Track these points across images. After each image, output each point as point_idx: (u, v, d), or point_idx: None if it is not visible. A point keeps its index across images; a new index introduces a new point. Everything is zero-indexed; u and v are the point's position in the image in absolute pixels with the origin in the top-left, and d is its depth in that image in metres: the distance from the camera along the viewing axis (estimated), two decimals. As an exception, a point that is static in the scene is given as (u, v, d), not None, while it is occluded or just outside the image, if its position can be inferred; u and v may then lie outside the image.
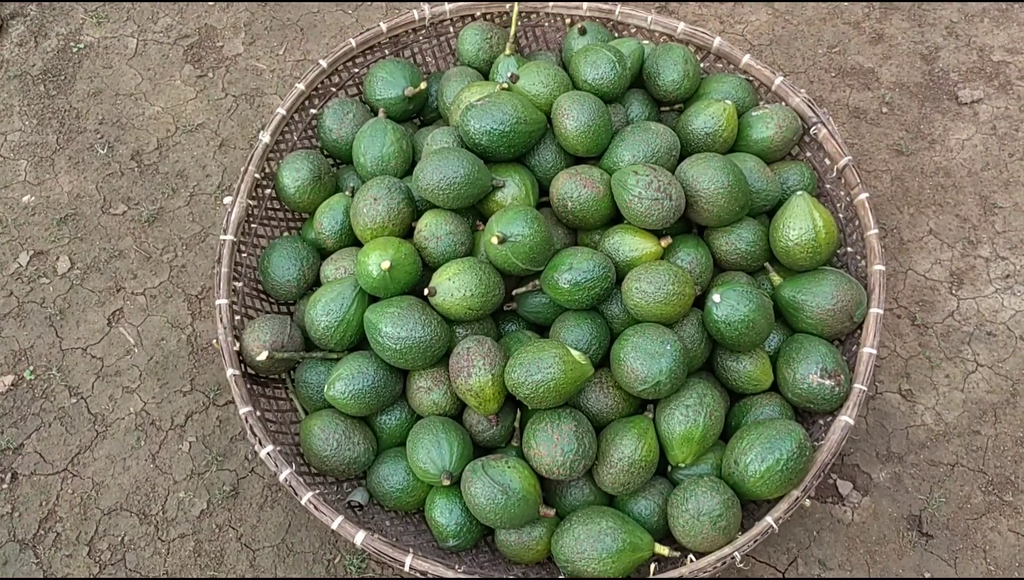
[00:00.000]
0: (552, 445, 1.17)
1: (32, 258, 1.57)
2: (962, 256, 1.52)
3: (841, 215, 1.44)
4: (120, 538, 1.35)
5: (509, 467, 1.18)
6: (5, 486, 1.39)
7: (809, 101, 1.45)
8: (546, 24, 1.59)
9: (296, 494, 1.19)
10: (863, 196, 1.38)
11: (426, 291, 1.25)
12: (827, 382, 1.25)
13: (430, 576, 1.15)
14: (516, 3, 1.49)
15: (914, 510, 1.34)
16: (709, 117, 1.40)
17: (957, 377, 1.43)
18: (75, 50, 1.79)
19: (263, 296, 1.42)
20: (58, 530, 1.36)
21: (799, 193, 1.32)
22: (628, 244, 1.30)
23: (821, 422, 1.29)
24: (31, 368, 1.48)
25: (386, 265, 1.22)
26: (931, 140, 1.63)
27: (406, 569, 1.15)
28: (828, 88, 1.69)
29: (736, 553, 1.15)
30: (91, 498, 1.38)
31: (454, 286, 1.24)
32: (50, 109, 1.72)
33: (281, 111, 1.45)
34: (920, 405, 1.41)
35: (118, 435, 1.43)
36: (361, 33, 1.52)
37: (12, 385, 1.47)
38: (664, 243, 1.31)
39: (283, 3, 1.83)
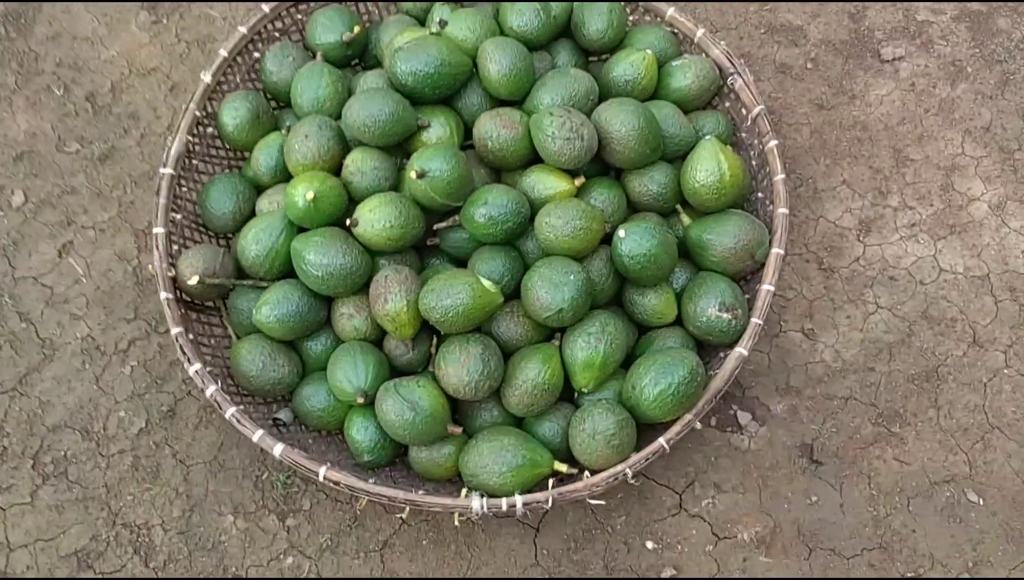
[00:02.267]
0: (459, 366, 1.26)
1: (-11, 192, 1.65)
2: (872, 205, 1.60)
3: (754, 162, 1.51)
4: (63, 453, 1.44)
5: (419, 386, 1.26)
6: (-43, 403, 1.47)
7: (728, 53, 1.52)
8: (484, -25, 1.65)
9: (221, 408, 1.28)
10: (773, 143, 1.45)
11: (348, 222, 1.32)
12: (724, 315, 1.33)
13: (343, 485, 1.24)
14: (450, -47, 1.55)
15: (807, 439, 1.42)
16: (629, 65, 1.47)
17: (858, 318, 1.51)
18: (35, -5, 1.85)
19: (202, 229, 1.50)
20: (4, 444, 1.44)
21: (707, 137, 1.39)
22: (543, 182, 1.38)
23: (722, 354, 1.37)
24: (-16, 295, 1.56)
25: (310, 196, 1.30)
26: (852, 95, 1.69)
27: (320, 479, 1.23)
28: (757, 44, 1.75)
29: (628, 470, 1.24)
30: (37, 416, 1.46)
31: (374, 217, 1.32)
32: (9, 51, 1.79)
33: (223, 52, 1.52)
34: (821, 343, 1.49)
35: (64, 358, 1.51)
36: (303, -21, 1.58)
37: (-34, 310, 1.55)
38: (578, 182, 1.38)
39: (238, -47, 1.89)
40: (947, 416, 1.44)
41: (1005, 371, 1.46)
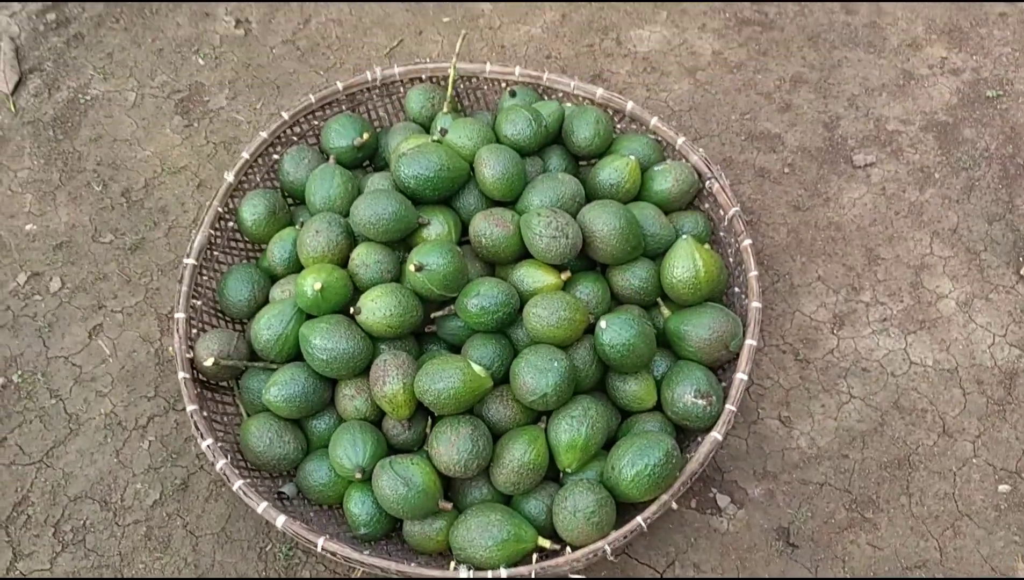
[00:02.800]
0: (450, 446, 1.35)
1: (29, 278, 1.80)
2: (845, 301, 1.70)
3: (731, 258, 1.63)
4: (83, 522, 1.53)
5: (413, 464, 1.36)
6: (-13, 474, 1.58)
7: (706, 159, 1.65)
8: (485, 87, 1.82)
9: (229, 480, 1.38)
10: (747, 242, 1.57)
11: (352, 310, 1.45)
12: (700, 402, 1.42)
13: (339, 556, 1.32)
14: (453, 68, 1.72)
15: (783, 523, 1.49)
16: (614, 170, 1.61)
17: (832, 407, 1.59)
18: (82, 101, 2.04)
19: (219, 314, 1.63)
20: (29, 513, 1.54)
21: (684, 237, 1.52)
22: (532, 276, 1.50)
23: (699, 439, 1.46)
24: (20, 372, 1.68)
25: (318, 286, 1.43)
26: (826, 198, 1.82)
27: (319, 549, 1.32)
28: (738, 150, 1.89)
29: (607, 546, 1.32)
30: (60, 486, 1.57)
31: (376, 306, 1.44)
32: (56, 151, 1.97)
33: (245, 155, 1.68)
34: (797, 430, 1.57)
35: (88, 432, 1.62)
36: (321, 90, 1.75)
37: (2, 386, 1.67)
38: (564, 276, 1.50)
39: (265, 65, 2.08)
40: (918, 503, 1.50)
41: (974, 460, 1.53)
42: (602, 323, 1.43)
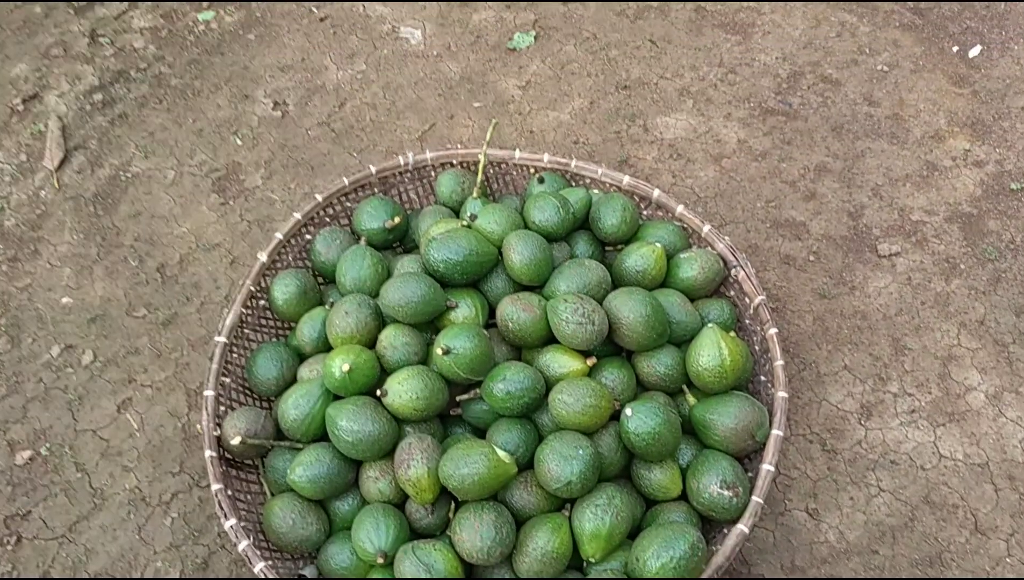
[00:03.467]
0: (473, 532, 1.34)
1: (63, 351, 1.83)
2: (872, 390, 1.69)
3: (757, 346, 1.63)
4: (101, 599, 1.53)
5: (436, 550, 1.35)
6: (10, 547, 1.58)
7: (731, 247, 1.67)
8: (514, 172, 1.86)
9: (251, 562, 1.37)
10: (772, 331, 1.57)
11: (378, 392, 1.46)
12: (726, 493, 1.41)
13: (358, 644, 1.30)
14: (483, 155, 1.76)
15: (811, 620, 1.46)
16: (640, 257, 1.63)
17: (861, 500, 1.57)
18: (123, 178, 2.11)
19: (247, 391, 1.64)
20: (49, 589, 1.54)
21: (710, 326, 1.52)
22: (558, 362, 1.51)
23: (725, 531, 1.44)
24: (47, 445, 1.70)
25: (346, 367, 1.44)
26: (851, 286, 1.82)
27: (337, 636, 1.31)
28: (763, 237, 1.91)
29: (631, 642, 1.29)
30: (82, 562, 1.57)
31: (403, 389, 1.45)
32: (96, 226, 2.03)
33: (279, 235, 1.72)
34: (825, 523, 1.55)
35: (112, 508, 1.63)
36: (354, 173, 1.80)
37: (29, 459, 1.69)
38: (590, 362, 1.51)
39: (300, 145, 2.14)
40: (951, 603, 1.46)
41: (1007, 560, 1.50)
42: (627, 411, 1.43)
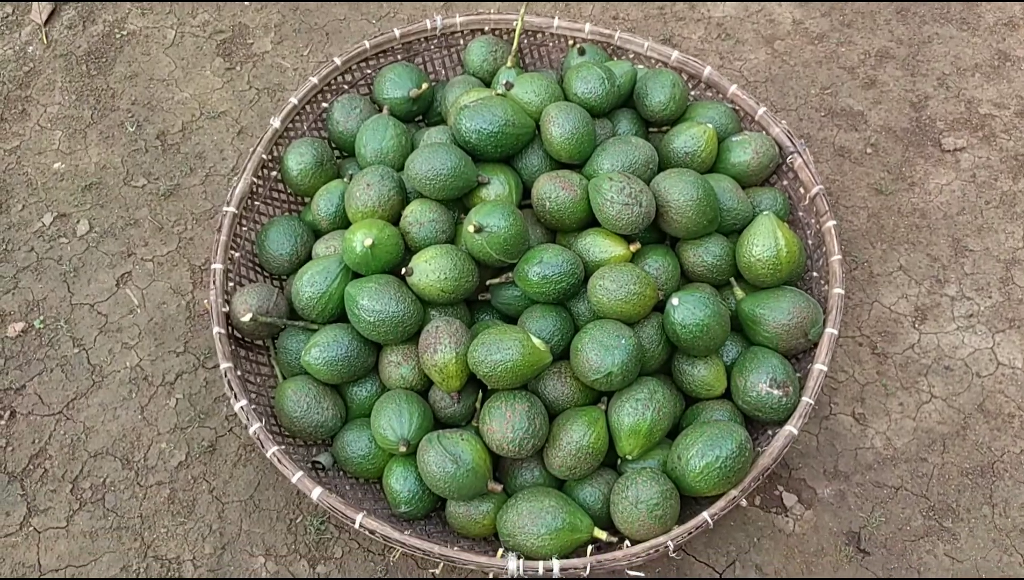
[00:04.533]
0: (504, 422, 1.25)
1: (55, 219, 1.69)
2: (928, 293, 1.57)
3: (810, 241, 1.50)
4: (102, 479, 1.44)
5: (463, 439, 1.25)
6: (3, 422, 1.48)
7: (788, 132, 1.53)
8: (550, 44, 1.70)
9: (263, 446, 1.28)
10: (831, 224, 1.44)
11: (404, 270, 1.34)
12: (775, 392, 1.31)
13: (379, 534, 1.22)
14: (520, 19, 1.59)
15: (854, 527, 1.38)
16: (689, 138, 1.48)
17: (910, 406, 1.47)
18: (118, 36, 1.93)
19: (258, 268, 1.52)
20: (46, 467, 1.45)
21: (765, 213, 1.40)
22: (599, 245, 1.38)
23: (770, 432, 1.34)
24: (41, 318, 1.58)
25: (368, 242, 1.32)
26: (911, 182, 1.69)
27: (356, 526, 1.22)
28: (817, 126, 1.76)
29: (670, 542, 1.21)
30: (80, 441, 1.47)
31: (430, 268, 1.33)
32: (89, 87, 1.86)
33: (293, 100, 1.56)
34: (871, 429, 1.46)
35: (112, 386, 1.52)
36: (376, 36, 1.63)
37: (22, 331, 1.57)
38: (633, 247, 1.38)
39: (313, 9, 1.96)
40: (1002, 514, 1.39)
41: (1064, 472, 1.41)
42: (674, 300, 1.31)
